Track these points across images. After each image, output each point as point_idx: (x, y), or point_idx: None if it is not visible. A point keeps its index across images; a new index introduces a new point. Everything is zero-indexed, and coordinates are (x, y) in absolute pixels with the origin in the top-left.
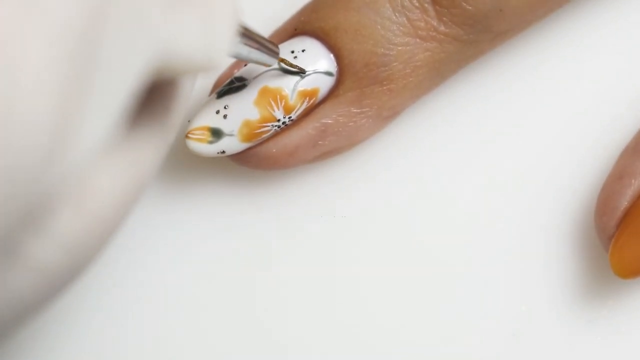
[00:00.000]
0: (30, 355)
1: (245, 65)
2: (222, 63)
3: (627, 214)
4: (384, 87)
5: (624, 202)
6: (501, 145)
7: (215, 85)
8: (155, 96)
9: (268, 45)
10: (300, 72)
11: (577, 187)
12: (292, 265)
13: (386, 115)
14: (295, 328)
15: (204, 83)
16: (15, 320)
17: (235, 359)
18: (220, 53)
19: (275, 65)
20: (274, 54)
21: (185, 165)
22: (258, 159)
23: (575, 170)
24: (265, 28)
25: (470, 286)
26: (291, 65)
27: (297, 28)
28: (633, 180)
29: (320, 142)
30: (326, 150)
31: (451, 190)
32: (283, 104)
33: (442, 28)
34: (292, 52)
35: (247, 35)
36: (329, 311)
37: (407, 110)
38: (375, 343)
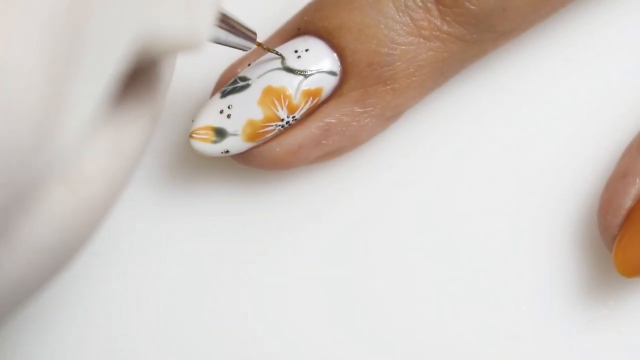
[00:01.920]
0: (17, 348)
1: (249, 65)
2: (204, 44)
3: (631, 212)
4: (388, 87)
5: (628, 201)
6: (502, 144)
7: (218, 85)
8: (138, 78)
9: (245, 31)
10: (281, 57)
11: (580, 187)
12: (294, 264)
13: (389, 115)
14: (295, 327)
15: (207, 82)
16: (10, 303)
17: (235, 358)
18: (203, 33)
19: (279, 65)
20: (251, 39)
21: (187, 164)
22: (261, 158)
23: (578, 170)
24: (267, 28)
25: (471, 286)
26: (269, 50)
27: (300, 27)
28: (637, 179)
29: (323, 142)
30: (329, 150)
31: (452, 190)
32: (287, 103)
33: (445, 28)
34: (296, 51)
35: (225, 20)
36: (332, 310)
37: (409, 110)
38: (375, 343)
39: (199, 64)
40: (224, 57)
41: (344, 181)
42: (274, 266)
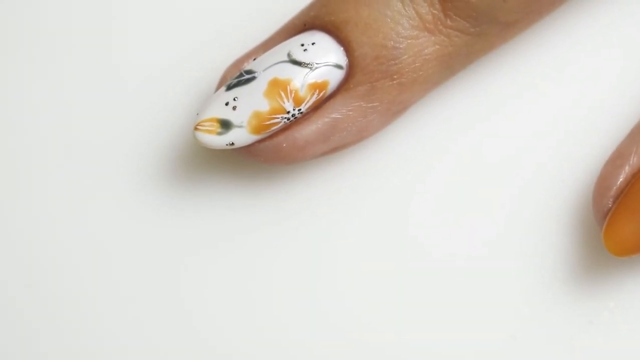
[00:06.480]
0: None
1: (254, 59)
2: None
3: (623, 193)
4: (394, 81)
5: (618, 181)
6: (505, 141)
7: (222, 79)
8: None
9: None
10: None
11: (583, 189)
12: (297, 260)
13: (395, 110)
14: (296, 326)
15: (212, 77)
16: None
17: (236, 357)
18: None
19: (285, 58)
20: None
21: (191, 162)
22: (267, 153)
23: (581, 172)
24: (271, 24)
25: (471, 286)
26: None
27: (306, 23)
28: (628, 160)
29: (330, 138)
30: (335, 145)
31: (453, 188)
32: (293, 95)
33: (448, 21)
34: (302, 44)
35: None
36: (334, 309)
37: (415, 104)
38: (376, 343)
39: (201, 62)
40: (228, 54)
41: (348, 176)
42: (276, 262)
